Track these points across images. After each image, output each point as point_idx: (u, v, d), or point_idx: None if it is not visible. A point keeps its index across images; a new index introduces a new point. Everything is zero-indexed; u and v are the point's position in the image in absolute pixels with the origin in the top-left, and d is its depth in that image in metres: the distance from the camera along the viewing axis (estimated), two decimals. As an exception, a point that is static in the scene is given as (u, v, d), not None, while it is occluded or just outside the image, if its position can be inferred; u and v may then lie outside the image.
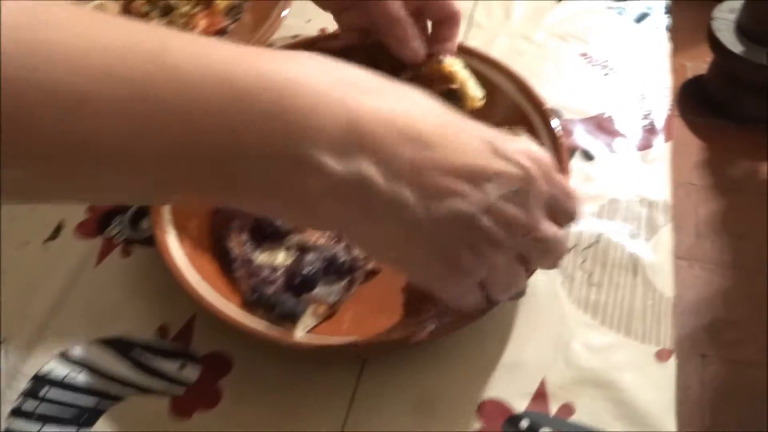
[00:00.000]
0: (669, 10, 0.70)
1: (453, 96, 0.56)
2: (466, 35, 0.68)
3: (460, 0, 0.70)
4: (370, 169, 0.31)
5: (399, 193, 0.31)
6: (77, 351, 0.48)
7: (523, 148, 0.35)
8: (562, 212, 0.37)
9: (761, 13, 1.68)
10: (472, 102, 0.56)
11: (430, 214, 0.32)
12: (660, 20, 0.68)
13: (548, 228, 0.36)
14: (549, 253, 0.37)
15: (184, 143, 0.29)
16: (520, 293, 0.44)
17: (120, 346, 0.48)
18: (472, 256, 0.34)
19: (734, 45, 1.70)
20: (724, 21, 1.75)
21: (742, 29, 1.71)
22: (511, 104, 0.55)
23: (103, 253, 0.53)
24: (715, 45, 1.73)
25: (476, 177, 0.33)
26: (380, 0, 0.49)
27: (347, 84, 0.32)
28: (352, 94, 0.31)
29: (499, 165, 0.33)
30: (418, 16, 0.52)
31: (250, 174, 0.30)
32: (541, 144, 0.52)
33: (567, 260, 0.50)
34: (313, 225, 0.35)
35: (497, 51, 0.65)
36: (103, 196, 0.36)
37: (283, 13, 0.65)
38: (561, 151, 0.50)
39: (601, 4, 0.70)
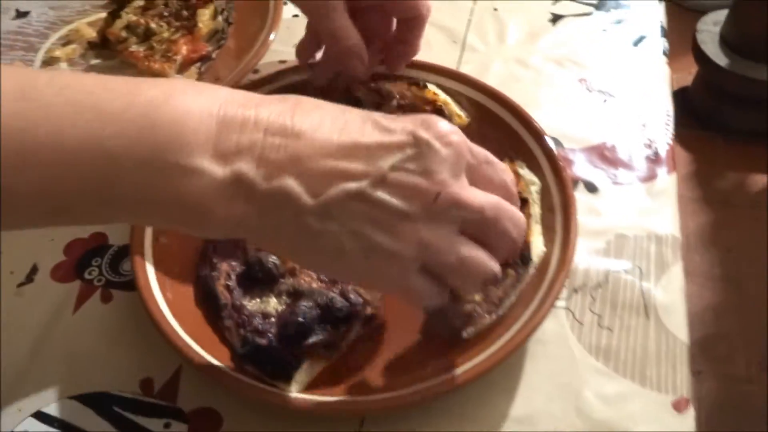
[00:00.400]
0: (665, 34, 0.68)
1: (440, 114, 0.54)
2: (460, 60, 0.66)
3: (455, 23, 0.69)
4: (247, 167, 0.31)
5: (283, 185, 0.32)
6: (53, 409, 0.44)
7: (414, 118, 0.34)
8: (486, 181, 0.35)
9: (745, 26, 1.69)
10: (459, 119, 0.54)
11: (320, 200, 0.32)
12: (657, 43, 0.67)
13: (464, 190, 0.33)
14: (483, 224, 0.34)
15: (59, 175, 0.30)
16: (493, 281, 0.37)
17: (100, 402, 0.44)
18: (384, 233, 0.32)
19: (719, 57, 1.70)
20: (709, 33, 1.76)
21: (727, 42, 1.72)
22: (510, 134, 0.53)
23: (82, 299, 0.50)
24: (700, 57, 1.73)
25: (359, 153, 0.32)
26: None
27: (213, 97, 0.32)
28: (218, 101, 0.32)
29: (383, 137, 0.33)
30: (383, 15, 0.52)
31: (131, 187, 0.31)
32: (543, 176, 0.50)
33: (575, 301, 0.47)
34: (214, 231, 0.34)
35: (493, 77, 0.63)
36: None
37: (271, 37, 0.62)
38: (566, 184, 0.48)
39: (597, 26, 0.68)
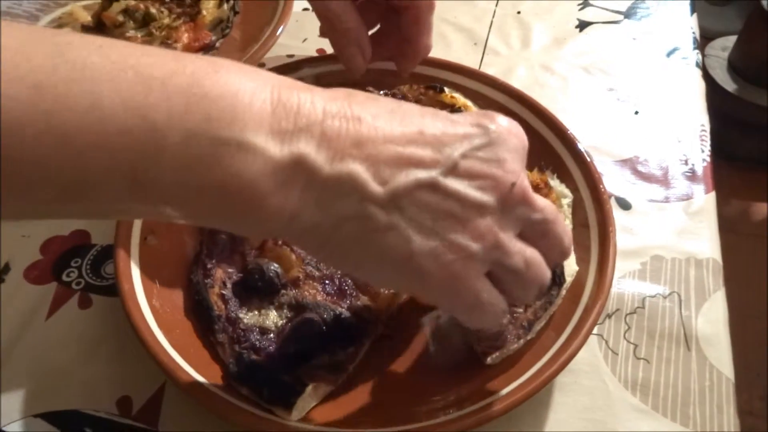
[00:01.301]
0: (697, 45, 0.64)
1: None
2: (481, 62, 0.62)
3: (476, 25, 0.65)
4: (308, 148, 0.27)
5: (348, 169, 0.28)
6: (16, 427, 0.39)
7: (473, 113, 0.32)
8: None
9: (753, 52, 1.67)
10: None
11: (388, 188, 0.28)
12: (690, 55, 0.63)
13: (534, 194, 0.31)
14: (541, 226, 0.31)
15: (90, 144, 0.25)
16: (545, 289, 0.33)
17: (69, 422, 0.39)
18: (458, 230, 0.29)
19: (727, 83, 1.68)
20: (717, 59, 1.74)
21: (735, 68, 1.70)
22: (539, 141, 0.49)
23: (57, 303, 0.44)
24: (708, 82, 1.71)
25: (426, 140, 0.29)
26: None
27: (264, 77, 0.28)
28: (270, 82, 0.28)
29: (448, 127, 0.30)
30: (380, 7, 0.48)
31: (173, 166, 0.26)
32: (575, 188, 0.45)
33: (609, 327, 0.43)
34: (262, 226, 0.29)
35: (516, 82, 0.59)
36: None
37: (279, 30, 0.57)
38: (602, 199, 0.43)
39: (626, 35, 0.64)
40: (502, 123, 0.31)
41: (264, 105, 0.27)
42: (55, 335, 0.43)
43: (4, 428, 0.39)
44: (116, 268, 0.40)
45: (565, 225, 0.32)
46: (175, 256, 0.43)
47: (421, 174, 0.28)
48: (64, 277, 0.46)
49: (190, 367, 0.37)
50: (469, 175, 0.29)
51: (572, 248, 0.41)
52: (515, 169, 0.30)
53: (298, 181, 0.27)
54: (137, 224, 0.43)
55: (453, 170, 0.29)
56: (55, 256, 0.47)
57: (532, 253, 0.31)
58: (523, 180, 0.30)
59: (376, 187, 0.28)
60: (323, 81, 0.53)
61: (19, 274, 0.46)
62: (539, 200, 0.31)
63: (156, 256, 0.42)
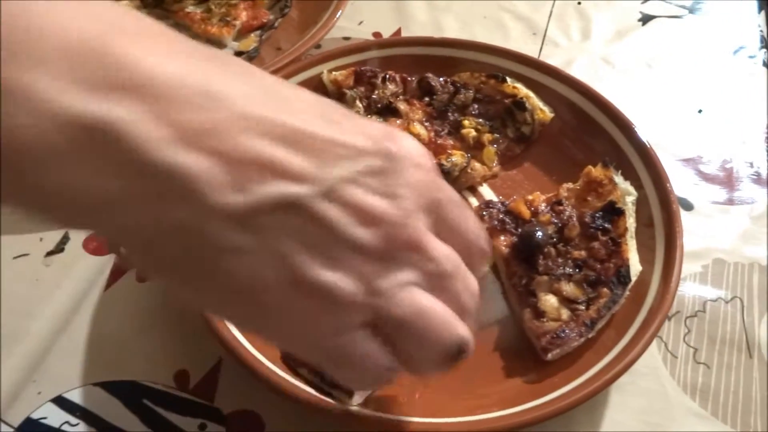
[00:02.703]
0: (765, 44, 0.62)
1: (521, 108, 0.49)
2: (540, 53, 0.61)
3: (535, 14, 0.64)
4: (131, 116, 0.20)
5: (184, 162, 0.20)
6: (76, 395, 0.39)
7: (379, 126, 0.25)
8: (450, 227, 0.25)
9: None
10: (542, 114, 0.49)
11: (245, 201, 0.21)
12: (757, 54, 0.61)
13: (431, 241, 0.24)
14: (435, 279, 0.24)
15: None
16: (460, 352, 0.26)
17: (128, 393, 0.39)
18: (324, 264, 0.22)
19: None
20: None
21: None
22: (602, 136, 0.48)
23: (116, 275, 0.45)
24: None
25: (304, 144, 0.22)
26: None
27: (96, 15, 0.21)
28: (100, 24, 0.20)
29: (339, 133, 0.23)
30: None
31: None
32: (640, 187, 0.44)
33: (668, 330, 0.42)
34: (33, 204, 0.22)
35: (575, 74, 0.57)
36: None
37: (338, 14, 0.57)
38: (669, 198, 0.43)
39: (691, 31, 0.63)
40: (409, 148, 0.25)
41: (79, 51, 0.20)
42: (114, 306, 0.43)
43: (63, 395, 0.40)
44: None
45: (470, 279, 0.26)
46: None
47: (290, 189, 0.22)
48: (122, 249, 0.46)
49: (248, 342, 0.37)
50: (349, 206, 0.22)
51: (631, 252, 0.40)
52: (409, 209, 0.24)
53: (108, 158, 0.20)
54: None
55: (329, 194, 0.22)
56: (114, 228, 0.47)
57: (428, 303, 0.24)
58: (416, 223, 0.24)
59: (225, 196, 0.21)
60: (391, 65, 0.52)
61: (78, 244, 0.47)
62: (437, 249, 0.25)
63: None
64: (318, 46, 0.57)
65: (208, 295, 0.24)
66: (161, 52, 0.21)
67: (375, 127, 0.25)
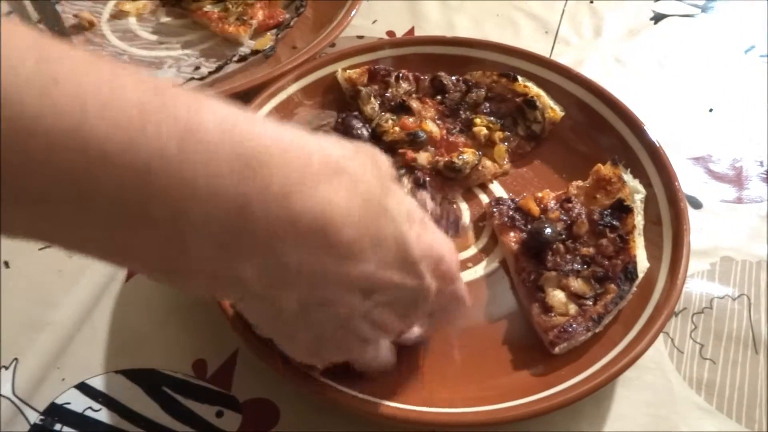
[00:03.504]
0: (777, 43, 0.62)
1: (532, 107, 0.50)
2: (552, 51, 0.61)
3: (547, 12, 0.65)
4: (248, 272, 0.26)
5: (278, 296, 0.28)
6: (98, 381, 0.41)
7: (433, 255, 0.31)
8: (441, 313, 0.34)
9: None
10: (553, 112, 0.50)
11: (307, 316, 0.29)
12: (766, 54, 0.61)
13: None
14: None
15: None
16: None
17: (148, 380, 0.41)
18: (341, 338, 0.31)
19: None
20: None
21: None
22: (611, 134, 0.49)
23: (134, 267, 0.46)
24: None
25: (369, 289, 0.29)
26: None
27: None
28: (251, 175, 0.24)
29: (398, 277, 0.29)
30: None
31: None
32: (648, 185, 0.45)
33: (674, 326, 0.43)
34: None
35: (587, 73, 0.57)
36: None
37: (353, 12, 0.58)
38: (677, 196, 0.43)
39: (702, 30, 0.63)
40: (447, 273, 0.31)
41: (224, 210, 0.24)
42: (134, 297, 0.45)
43: (86, 381, 0.41)
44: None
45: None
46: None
47: (342, 312, 0.29)
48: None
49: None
50: (374, 321, 0.31)
51: (639, 249, 0.41)
52: (410, 323, 0.33)
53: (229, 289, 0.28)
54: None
55: (366, 315, 0.30)
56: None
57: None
58: (408, 327, 0.34)
59: (295, 308, 0.28)
60: (405, 63, 0.53)
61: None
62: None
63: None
64: (332, 45, 0.58)
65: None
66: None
67: (427, 254, 0.30)
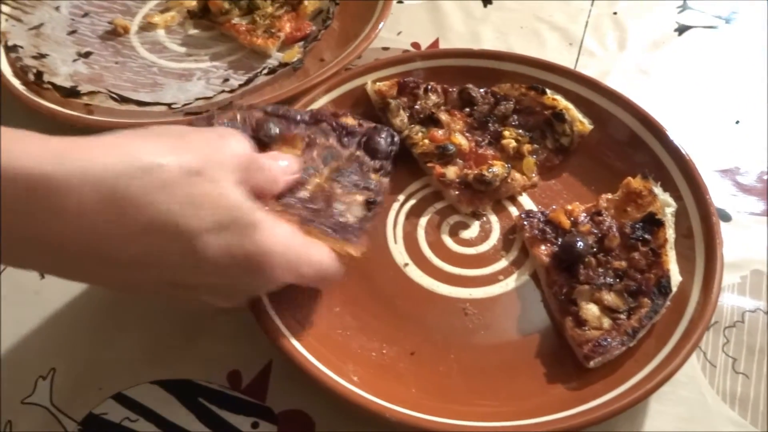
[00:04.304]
0: (802, 54, 0.62)
1: (560, 120, 0.50)
2: (576, 63, 0.62)
3: (571, 24, 0.65)
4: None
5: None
6: (135, 392, 0.42)
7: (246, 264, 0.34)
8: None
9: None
10: (581, 125, 0.50)
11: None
12: (793, 64, 0.61)
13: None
14: None
15: None
16: None
17: (184, 391, 0.41)
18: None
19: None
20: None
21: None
22: (640, 147, 0.49)
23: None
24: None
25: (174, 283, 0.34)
26: None
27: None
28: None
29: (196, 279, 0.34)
30: None
31: None
32: (678, 198, 0.45)
33: (707, 340, 0.43)
34: None
35: (611, 84, 0.57)
36: None
37: (380, 26, 0.59)
38: (709, 210, 0.43)
39: (727, 41, 0.63)
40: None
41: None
42: (169, 308, 0.45)
43: (123, 392, 0.42)
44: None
45: None
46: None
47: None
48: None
49: (299, 344, 0.39)
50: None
51: (671, 263, 0.42)
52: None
53: None
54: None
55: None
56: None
57: None
58: None
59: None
60: (433, 76, 0.53)
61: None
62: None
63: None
64: (359, 57, 0.59)
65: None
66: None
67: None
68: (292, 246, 0.36)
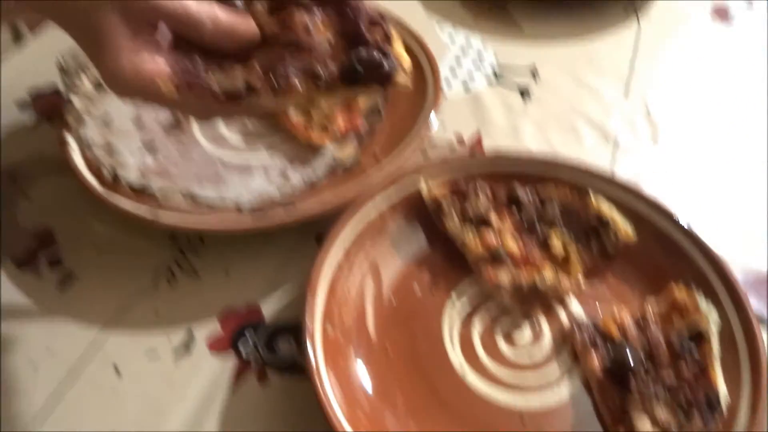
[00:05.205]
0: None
1: (605, 227, 0.53)
2: (613, 159, 0.65)
3: (606, 119, 0.68)
4: None
5: None
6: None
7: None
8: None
9: None
10: (626, 235, 0.53)
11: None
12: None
13: None
14: None
15: None
16: None
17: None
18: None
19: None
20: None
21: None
22: (682, 258, 0.52)
23: (238, 376, 0.49)
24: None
25: None
26: None
27: None
28: None
29: None
30: None
31: None
32: (719, 306, 0.48)
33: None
34: None
35: (648, 182, 0.61)
36: None
37: (434, 127, 0.62)
38: (752, 325, 0.46)
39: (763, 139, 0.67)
40: None
41: None
42: (242, 406, 0.48)
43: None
44: (305, 357, 0.45)
45: None
46: (347, 345, 0.48)
47: None
48: (241, 350, 0.51)
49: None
50: None
51: (719, 378, 0.44)
52: None
53: None
54: (319, 313, 0.48)
55: None
56: (232, 329, 0.52)
57: None
58: None
59: None
60: (482, 176, 0.57)
61: (203, 344, 0.51)
62: None
63: (333, 345, 0.47)
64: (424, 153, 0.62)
65: None
66: None
67: None
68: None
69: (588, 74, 0.74)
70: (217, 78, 0.45)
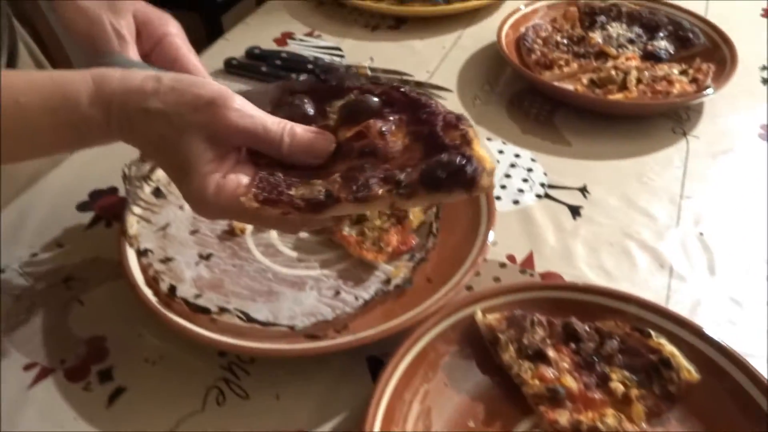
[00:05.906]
0: None
1: (667, 366, 0.51)
2: (669, 288, 0.63)
3: (659, 243, 0.68)
4: None
5: None
6: None
7: None
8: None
9: None
10: (688, 374, 0.51)
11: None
12: None
13: None
14: None
15: None
16: None
17: None
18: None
19: None
20: None
21: None
22: (744, 398, 0.50)
23: None
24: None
25: None
26: None
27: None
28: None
29: None
30: None
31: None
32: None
33: None
34: None
35: (704, 314, 0.60)
36: None
37: (487, 254, 0.62)
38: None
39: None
40: None
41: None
42: None
43: None
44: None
45: None
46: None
47: None
48: None
49: None
50: None
51: None
52: None
53: None
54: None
55: None
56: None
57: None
58: None
59: None
60: (540, 307, 0.56)
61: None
62: None
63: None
64: (477, 274, 0.61)
65: None
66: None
67: None
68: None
69: (638, 193, 0.74)
70: (299, 192, 0.46)
